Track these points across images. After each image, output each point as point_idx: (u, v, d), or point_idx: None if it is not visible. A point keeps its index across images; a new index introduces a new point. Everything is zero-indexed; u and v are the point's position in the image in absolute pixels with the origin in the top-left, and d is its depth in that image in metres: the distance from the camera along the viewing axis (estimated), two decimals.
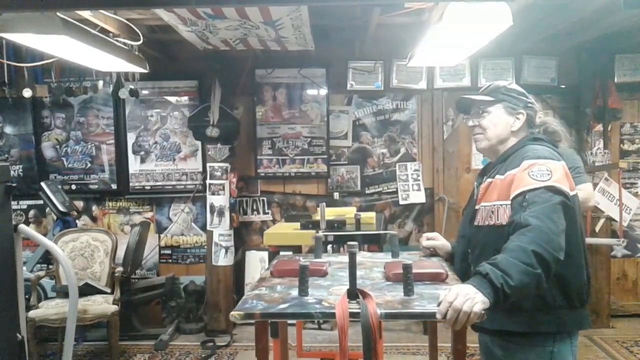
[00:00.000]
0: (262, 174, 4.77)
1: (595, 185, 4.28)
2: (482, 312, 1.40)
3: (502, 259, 1.48)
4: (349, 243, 1.52)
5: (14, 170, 4.68)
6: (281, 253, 2.68)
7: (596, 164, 4.40)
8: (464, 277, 1.76)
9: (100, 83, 4.50)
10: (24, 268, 3.91)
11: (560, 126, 1.89)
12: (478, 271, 1.49)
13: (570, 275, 1.68)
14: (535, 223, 1.52)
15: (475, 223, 1.83)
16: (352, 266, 1.51)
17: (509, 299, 1.46)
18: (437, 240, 2.11)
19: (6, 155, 4.75)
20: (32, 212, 4.83)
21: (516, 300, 1.51)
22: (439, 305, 1.43)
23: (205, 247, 4.63)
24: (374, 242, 2.82)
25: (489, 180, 1.82)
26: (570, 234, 1.60)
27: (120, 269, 4.01)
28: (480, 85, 4.52)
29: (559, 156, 1.72)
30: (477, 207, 1.84)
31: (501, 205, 1.72)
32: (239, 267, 4.65)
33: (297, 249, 3.05)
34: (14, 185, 2.07)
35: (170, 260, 4.89)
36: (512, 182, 1.69)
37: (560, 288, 1.67)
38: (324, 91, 4.70)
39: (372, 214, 3.46)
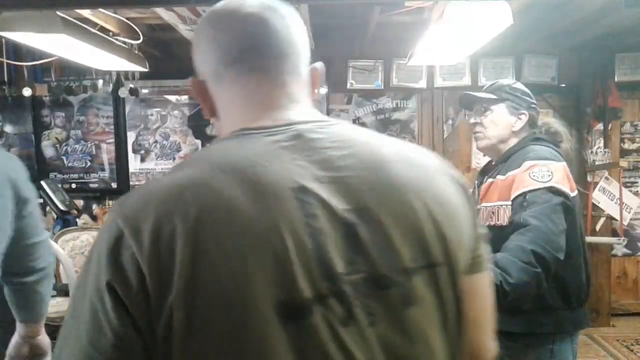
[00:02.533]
0: None
1: (595, 184, 4.28)
2: None
3: (501, 257, 1.49)
4: None
5: None
6: None
7: (596, 162, 4.40)
8: None
9: (100, 82, 4.50)
10: None
11: (562, 126, 1.89)
12: None
13: (570, 275, 1.68)
14: (535, 223, 1.52)
15: None
16: None
17: (508, 296, 1.46)
18: None
19: None
20: None
21: (515, 298, 1.51)
22: None
23: None
24: None
25: (490, 180, 1.82)
26: (570, 234, 1.60)
27: None
28: (480, 84, 4.51)
29: (560, 157, 1.72)
30: (478, 207, 1.84)
31: (501, 206, 1.72)
32: None
33: None
34: None
35: None
36: (512, 182, 1.68)
37: (559, 289, 1.67)
38: (323, 90, 4.69)
39: None
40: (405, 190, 0.68)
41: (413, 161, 0.73)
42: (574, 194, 1.69)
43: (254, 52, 0.73)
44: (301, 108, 0.74)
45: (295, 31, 0.76)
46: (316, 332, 0.60)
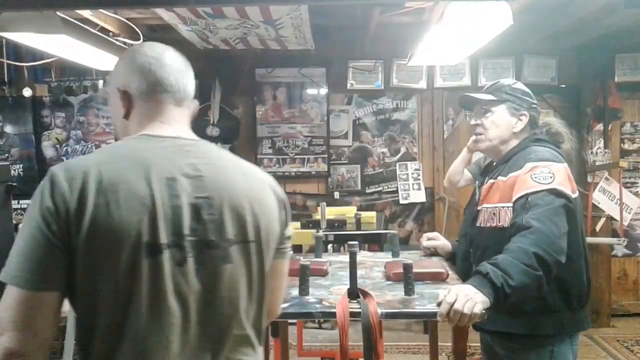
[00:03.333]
0: None
1: (595, 184, 4.28)
2: (483, 312, 1.40)
3: (503, 259, 1.48)
4: (349, 242, 1.52)
5: (14, 170, 4.67)
6: None
7: (597, 163, 4.40)
8: (465, 276, 1.76)
9: (100, 82, 4.50)
10: None
11: (563, 127, 1.88)
12: (478, 271, 1.49)
13: (571, 277, 1.67)
14: (537, 225, 1.52)
15: (478, 224, 1.82)
16: (353, 266, 1.51)
17: (509, 299, 1.45)
18: (437, 240, 2.11)
19: (6, 155, 4.74)
20: None
21: (516, 300, 1.51)
22: (438, 305, 1.43)
23: None
24: (375, 242, 2.82)
25: (491, 181, 1.81)
26: (571, 236, 1.60)
27: None
28: (480, 84, 4.50)
29: (561, 158, 1.72)
30: (479, 208, 1.83)
31: (503, 207, 1.71)
32: None
33: (297, 249, 3.05)
34: (14, 184, 2.07)
35: None
36: (514, 184, 1.68)
37: (560, 290, 1.67)
38: (324, 90, 4.69)
39: (373, 214, 3.46)
40: (238, 191, 1.07)
41: (247, 174, 1.13)
42: (575, 195, 1.68)
43: (158, 87, 1.13)
44: (181, 128, 1.14)
45: (186, 77, 1.17)
46: (163, 264, 0.98)
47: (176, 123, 1.13)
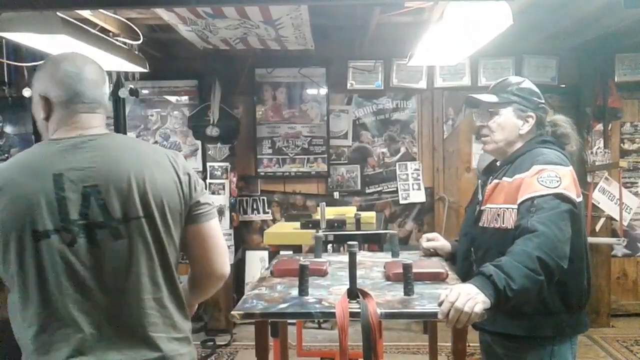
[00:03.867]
0: (262, 174, 4.77)
1: (595, 184, 4.28)
2: (483, 312, 1.41)
3: (507, 262, 1.48)
4: (349, 243, 1.52)
5: None
6: (281, 252, 2.68)
7: (596, 163, 4.40)
8: (465, 275, 1.76)
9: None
10: None
11: (570, 127, 1.87)
12: (481, 272, 1.49)
13: (571, 280, 1.67)
14: (542, 229, 1.52)
15: (481, 224, 1.81)
16: (352, 266, 1.51)
17: (510, 302, 1.46)
18: (437, 240, 2.11)
19: (6, 155, 4.74)
20: None
21: (516, 303, 1.51)
22: (440, 304, 1.43)
23: None
24: (374, 242, 2.82)
25: (496, 181, 1.80)
26: (574, 240, 1.59)
27: None
28: (480, 84, 4.51)
29: (567, 161, 1.71)
30: (482, 207, 1.82)
31: (507, 208, 1.71)
32: (239, 266, 4.65)
33: (297, 249, 3.05)
34: None
35: None
36: (520, 186, 1.67)
37: (560, 292, 1.67)
38: (324, 90, 4.69)
39: (372, 214, 3.46)
40: (127, 175, 1.24)
41: (141, 155, 1.29)
42: (580, 199, 1.67)
43: (75, 99, 1.31)
44: (87, 129, 1.30)
45: (102, 88, 1.36)
46: (51, 246, 1.20)
47: (84, 126, 1.31)
